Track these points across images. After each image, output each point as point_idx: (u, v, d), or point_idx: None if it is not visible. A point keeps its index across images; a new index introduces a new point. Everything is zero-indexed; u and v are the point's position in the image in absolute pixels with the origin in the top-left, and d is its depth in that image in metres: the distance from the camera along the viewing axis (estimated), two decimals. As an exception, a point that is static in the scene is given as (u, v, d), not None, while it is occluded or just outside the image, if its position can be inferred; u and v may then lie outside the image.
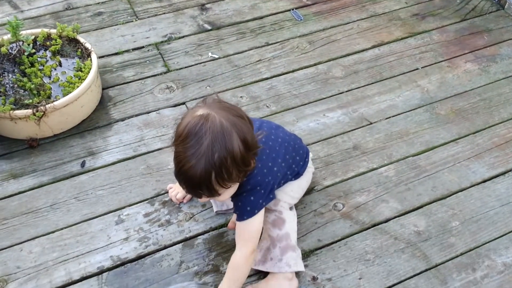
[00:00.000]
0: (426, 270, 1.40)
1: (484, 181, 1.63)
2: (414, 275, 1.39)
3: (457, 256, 1.44)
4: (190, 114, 1.11)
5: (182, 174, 1.10)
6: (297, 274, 1.37)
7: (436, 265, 1.41)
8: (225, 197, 1.21)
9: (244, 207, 1.24)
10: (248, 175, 1.21)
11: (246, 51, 2.07)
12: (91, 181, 1.60)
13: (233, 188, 1.20)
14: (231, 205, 1.48)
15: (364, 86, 1.94)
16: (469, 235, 1.49)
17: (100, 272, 1.38)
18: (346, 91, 1.92)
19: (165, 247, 1.44)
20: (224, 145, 1.07)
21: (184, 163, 1.08)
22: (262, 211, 1.27)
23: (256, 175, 1.23)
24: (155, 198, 1.56)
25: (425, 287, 1.37)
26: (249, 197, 1.24)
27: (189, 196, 1.53)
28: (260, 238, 1.38)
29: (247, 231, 1.26)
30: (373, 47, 2.11)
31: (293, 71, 2.00)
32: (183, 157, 1.08)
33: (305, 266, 1.39)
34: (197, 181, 1.09)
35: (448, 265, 1.42)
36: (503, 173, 1.65)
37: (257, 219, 1.26)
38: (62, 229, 1.47)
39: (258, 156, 1.22)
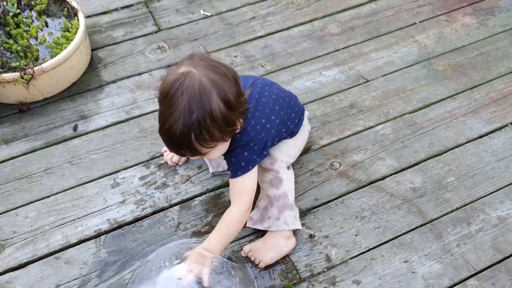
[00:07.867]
0: (422, 225, 1.41)
1: (481, 137, 1.62)
2: (410, 230, 1.40)
3: (452, 211, 1.44)
4: (173, 71, 1.10)
5: (163, 134, 1.11)
6: (295, 232, 1.38)
7: (432, 220, 1.42)
8: (215, 155, 1.19)
9: (238, 162, 1.23)
10: (240, 132, 1.19)
11: (239, 7, 2.01)
12: (84, 145, 1.58)
13: (223, 146, 1.18)
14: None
15: (361, 42, 1.90)
16: (465, 190, 1.49)
17: (98, 235, 1.38)
18: (343, 48, 1.88)
19: (162, 209, 1.44)
20: (201, 106, 1.05)
21: (164, 123, 1.09)
22: (256, 168, 1.26)
23: (249, 131, 1.22)
24: (150, 161, 1.54)
25: (420, 241, 1.38)
26: (242, 153, 1.22)
27: (184, 158, 1.52)
28: (258, 198, 1.38)
29: (243, 187, 1.25)
30: (370, 1, 2.05)
31: (288, 28, 1.95)
32: (163, 117, 1.09)
33: (302, 224, 1.40)
34: (177, 141, 1.09)
35: (443, 220, 1.43)
36: (500, 128, 1.65)
37: (251, 175, 1.24)
38: (57, 193, 1.46)
39: (250, 113, 1.20)
